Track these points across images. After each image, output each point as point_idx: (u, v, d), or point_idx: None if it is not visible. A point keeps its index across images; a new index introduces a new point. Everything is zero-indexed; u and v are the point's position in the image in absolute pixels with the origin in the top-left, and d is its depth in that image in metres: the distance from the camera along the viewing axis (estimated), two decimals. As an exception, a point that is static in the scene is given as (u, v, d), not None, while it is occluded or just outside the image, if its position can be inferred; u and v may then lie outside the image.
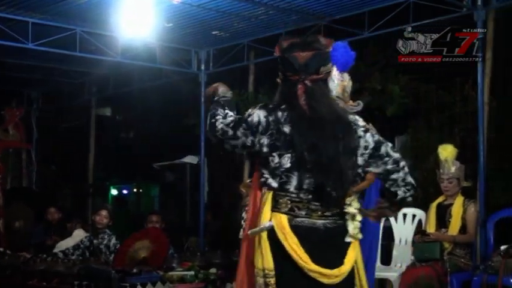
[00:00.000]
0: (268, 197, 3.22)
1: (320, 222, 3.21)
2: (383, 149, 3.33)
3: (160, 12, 8.13)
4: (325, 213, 3.22)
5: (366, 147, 3.30)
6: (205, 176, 10.65)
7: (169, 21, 8.70)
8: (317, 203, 3.20)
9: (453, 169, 6.74)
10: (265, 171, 3.24)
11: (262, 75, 9.95)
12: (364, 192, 4.22)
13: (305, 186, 3.18)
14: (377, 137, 3.36)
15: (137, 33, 8.26)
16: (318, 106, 3.23)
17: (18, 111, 12.84)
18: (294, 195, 3.19)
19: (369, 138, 3.31)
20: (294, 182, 3.18)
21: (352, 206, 3.27)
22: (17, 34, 8.51)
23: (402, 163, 3.36)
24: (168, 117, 12.57)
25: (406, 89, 8.93)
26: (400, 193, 3.38)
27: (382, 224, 5.99)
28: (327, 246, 3.21)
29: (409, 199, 3.43)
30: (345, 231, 3.26)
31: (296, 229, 3.16)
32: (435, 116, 8.86)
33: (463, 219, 6.68)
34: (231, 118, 3.35)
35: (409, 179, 3.38)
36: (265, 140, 3.21)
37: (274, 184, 3.20)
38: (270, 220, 3.19)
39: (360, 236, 3.28)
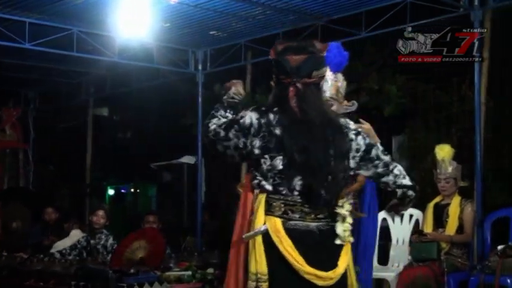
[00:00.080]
0: (262, 200, 3.23)
1: (313, 224, 3.21)
2: (373, 152, 3.35)
3: (158, 12, 8.14)
4: (318, 216, 3.23)
5: (357, 150, 3.32)
6: (203, 176, 10.64)
7: (167, 21, 8.72)
8: (310, 206, 3.20)
9: (450, 169, 6.75)
10: (257, 174, 3.25)
11: (260, 76, 9.96)
12: (361, 192, 4.23)
13: (298, 188, 3.19)
14: (368, 140, 3.37)
15: (134, 33, 8.25)
16: (308, 109, 3.23)
17: (15, 111, 12.86)
18: (287, 198, 3.20)
19: (360, 141, 3.33)
20: (286, 184, 3.19)
21: (344, 208, 3.27)
22: (14, 34, 8.52)
23: (392, 166, 3.38)
24: (166, 117, 12.56)
25: (404, 89, 8.94)
26: (399, 193, 3.40)
27: (379, 224, 6.00)
28: (321, 248, 3.21)
29: (409, 199, 3.44)
30: (337, 234, 3.27)
31: (290, 232, 3.17)
32: (432, 116, 8.87)
33: (460, 219, 6.68)
34: (224, 120, 3.36)
35: (401, 181, 3.39)
36: (257, 142, 3.22)
37: (268, 186, 3.21)
38: (264, 224, 3.19)
39: (350, 239, 3.28)
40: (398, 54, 7.25)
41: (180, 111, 11.52)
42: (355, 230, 4.07)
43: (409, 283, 6.36)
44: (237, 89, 3.58)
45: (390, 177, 3.38)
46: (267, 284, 3.16)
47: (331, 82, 3.94)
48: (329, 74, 3.81)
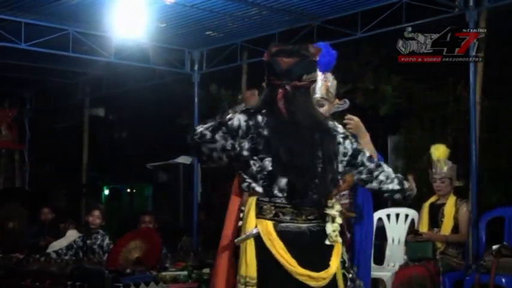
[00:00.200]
0: (252, 203, 3.21)
1: (305, 226, 3.21)
2: (359, 158, 3.37)
3: (154, 12, 8.15)
4: (309, 217, 3.22)
5: (344, 154, 3.33)
6: (199, 176, 10.66)
7: (163, 21, 8.72)
8: (300, 207, 3.20)
9: (445, 169, 6.76)
10: (246, 176, 3.23)
11: (256, 76, 9.96)
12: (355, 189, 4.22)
13: (287, 189, 3.18)
14: (355, 144, 3.39)
15: (130, 34, 8.27)
16: (296, 111, 3.23)
17: (11, 112, 12.86)
18: (277, 200, 3.19)
19: (348, 145, 3.35)
20: (276, 185, 3.18)
21: (334, 208, 3.27)
22: (9, 34, 8.53)
23: (377, 173, 3.40)
24: (162, 117, 12.57)
25: (399, 89, 8.97)
26: (385, 196, 3.47)
27: (375, 224, 6.01)
28: (312, 249, 3.21)
29: (398, 201, 3.52)
30: (327, 234, 3.27)
31: (282, 234, 3.16)
32: (427, 115, 8.90)
33: (456, 218, 6.70)
34: (212, 123, 3.33)
35: (387, 186, 3.43)
36: (245, 144, 3.21)
37: (259, 188, 3.20)
38: (256, 227, 3.18)
39: (339, 239, 3.28)
40: (394, 55, 7.27)
41: (176, 111, 11.54)
42: (351, 230, 4.10)
43: (405, 282, 6.36)
44: (242, 107, 3.54)
45: (374, 184, 3.42)
46: None
47: (321, 82, 3.92)
48: (318, 74, 3.80)
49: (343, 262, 3.80)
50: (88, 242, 7.54)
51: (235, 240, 3.25)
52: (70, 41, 8.89)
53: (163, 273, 6.66)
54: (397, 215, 7.41)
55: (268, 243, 3.14)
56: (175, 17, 8.56)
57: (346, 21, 8.40)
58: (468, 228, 6.80)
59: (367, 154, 3.42)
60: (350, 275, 3.94)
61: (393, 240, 7.39)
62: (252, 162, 3.20)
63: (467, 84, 7.53)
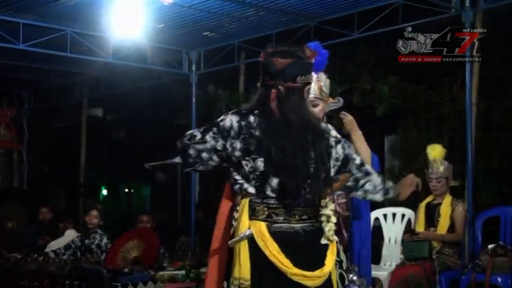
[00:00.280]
0: (245, 205, 3.19)
1: (298, 226, 3.19)
2: (348, 166, 3.37)
3: (151, 13, 8.14)
4: (303, 217, 3.21)
5: (336, 159, 3.34)
6: (196, 176, 10.68)
7: (160, 22, 8.72)
8: (292, 207, 3.19)
9: (442, 169, 6.78)
10: (238, 177, 3.22)
11: (253, 76, 9.99)
12: None
13: (279, 190, 3.17)
14: (347, 150, 3.39)
15: (128, 34, 8.26)
16: (288, 111, 3.22)
17: (10, 112, 12.87)
18: (270, 201, 3.18)
19: (340, 150, 3.34)
20: (269, 185, 3.17)
21: (328, 208, 3.27)
22: (7, 35, 8.54)
23: (363, 181, 3.41)
24: (159, 117, 12.58)
25: (395, 89, 8.96)
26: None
27: (372, 223, 6.04)
28: (307, 249, 3.20)
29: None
30: (322, 234, 3.26)
31: (276, 235, 3.14)
32: (423, 116, 8.91)
33: (452, 218, 6.72)
34: (205, 126, 3.33)
35: (371, 196, 3.46)
36: (238, 144, 3.20)
37: (251, 189, 3.19)
38: (249, 228, 3.16)
39: (335, 238, 3.27)
40: (390, 55, 7.27)
41: (174, 111, 11.55)
42: (349, 230, 4.13)
43: (401, 282, 6.38)
44: None
45: (359, 193, 3.44)
46: None
47: (315, 82, 3.94)
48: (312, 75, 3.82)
49: (339, 262, 3.82)
50: (86, 241, 7.56)
51: (229, 242, 3.22)
52: (68, 41, 8.90)
53: (161, 273, 6.70)
54: (394, 215, 7.43)
55: (261, 244, 3.13)
56: (173, 17, 8.57)
57: (343, 21, 8.43)
58: (464, 227, 6.84)
59: (358, 161, 3.41)
60: (351, 275, 3.97)
61: (390, 240, 7.42)
62: (244, 162, 3.18)
63: (463, 84, 7.55)
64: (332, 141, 3.34)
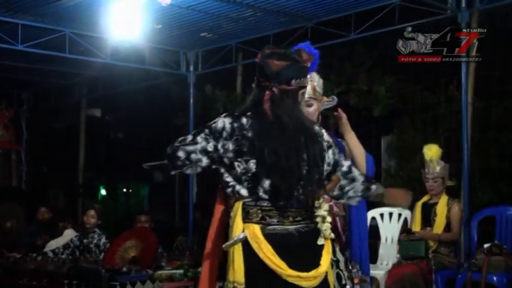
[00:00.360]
0: (238, 208, 3.19)
1: (292, 227, 3.19)
2: (336, 172, 3.39)
3: (149, 14, 8.16)
4: (296, 219, 3.21)
5: (328, 164, 3.36)
6: (194, 176, 10.69)
7: (158, 23, 8.74)
8: (285, 209, 3.18)
9: (438, 168, 6.81)
10: (229, 179, 3.22)
11: (250, 77, 9.97)
12: None
13: (271, 191, 3.16)
14: (337, 156, 3.40)
15: (126, 35, 8.27)
16: (282, 113, 3.23)
17: (8, 113, 12.89)
18: (264, 203, 3.17)
19: (331, 155, 3.36)
20: (261, 187, 3.16)
21: (322, 209, 3.27)
22: (6, 36, 8.57)
23: (347, 188, 3.44)
24: (157, 117, 12.59)
25: (392, 89, 8.98)
26: None
27: (369, 223, 6.06)
28: (301, 250, 3.19)
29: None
30: (317, 234, 3.25)
31: (270, 237, 3.14)
32: (420, 116, 8.94)
33: (448, 217, 6.76)
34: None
35: (349, 202, 3.53)
36: (230, 146, 3.19)
37: (243, 191, 3.18)
38: (243, 231, 3.16)
39: (332, 235, 3.29)
40: (387, 56, 7.27)
41: (172, 111, 11.57)
42: (347, 229, 4.15)
43: (398, 281, 6.41)
44: None
45: (343, 200, 3.51)
46: None
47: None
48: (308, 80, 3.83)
49: (336, 261, 3.82)
50: (85, 241, 7.57)
51: (223, 246, 3.22)
52: (67, 42, 8.93)
53: (159, 272, 6.71)
54: (391, 214, 7.48)
55: (255, 247, 3.12)
56: (170, 18, 8.59)
57: (340, 22, 8.45)
58: (460, 227, 6.87)
59: (345, 168, 3.42)
60: (351, 273, 3.98)
61: (386, 239, 7.47)
62: (236, 164, 3.18)
63: (459, 84, 7.58)
64: (325, 145, 3.34)
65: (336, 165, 3.38)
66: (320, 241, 3.25)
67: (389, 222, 7.49)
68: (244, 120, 3.22)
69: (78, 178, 12.98)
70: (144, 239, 6.97)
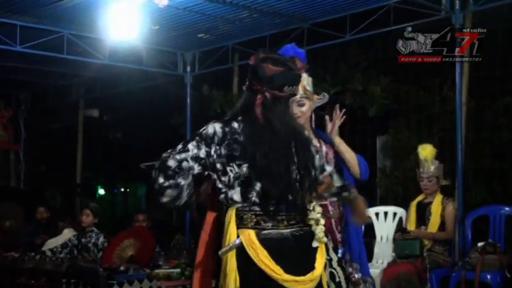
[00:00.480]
0: (232, 214, 3.15)
1: (287, 231, 3.17)
2: (319, 179, 3.43)
3: (147, 15, 8.16)
4: (291, 222, 3.19)
5: (316, 168, 3.38)
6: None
7: (156, 24, 8.74)
8: (276, 213, 3.16)
9: (432, 168, 6.85)
10: (221, 186, 3.17)
11: (246, 77, 10.02)
12: None
13: (263, 195, 3.14)
14: (322, 160, 3.45)
15: (124, 36, 8.27)
16: (273, 118, 3.21)
17: (7, 113, 12.92)
18: (257, 208, 3.14)
19: (317, 161, 3.38)
20: (254, 191, 3.14)
21: (315, 211, 3.27)
22: (5, 37, 8.59)
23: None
24: (155, 117, 12.63)
25: (387, 90, 9.00)
26: None
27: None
28: (296, 254, 3.17)
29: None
30: (311, 237, 3.24)
31: (265, 242, 3.11)
32: (415, 116, 8.97)
33: (442, 216, 6.79)
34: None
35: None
36: (222, 150, 3.15)
37: (236, 196, 3.15)
38: (238, 237, 3.13)
39: (325, 239, 3.29)
40: (383, 56, 7.28)
41: (169, 111, 11.59)
42: (344, 229, 4.18)
43: (393, 279, 6.43)
44: None
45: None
46: None
47: None
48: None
49: (329, 260, 3.87)
50: (83, 240, 7.58)
51: (219, 253, 3.18)
52: (65, 43, 8.95)
53: (157, 271, 6.74)
54: (386, 213, 7.51)
55: (251, 252, 3.10)
56: (168, 19, 8.60)
57: (335, 23, 8.47)
58: (454, 226, 6.90)
59: (326, 173, 3.48)
60: (345, 272, 4.04)
61: (381, 238, 7.48)
62: (228, 168, 3.14)
63: (454, 85, 7.59)
64: (313, 150, 3.37)
65: (321, 169, 3.42)
66: (314, 244, 3.24)
67: (384, 221, 7.51)
68: (235, 124, 3.20)
69: (76, 178, 13.00)
70: (141, 238, 7.00)
